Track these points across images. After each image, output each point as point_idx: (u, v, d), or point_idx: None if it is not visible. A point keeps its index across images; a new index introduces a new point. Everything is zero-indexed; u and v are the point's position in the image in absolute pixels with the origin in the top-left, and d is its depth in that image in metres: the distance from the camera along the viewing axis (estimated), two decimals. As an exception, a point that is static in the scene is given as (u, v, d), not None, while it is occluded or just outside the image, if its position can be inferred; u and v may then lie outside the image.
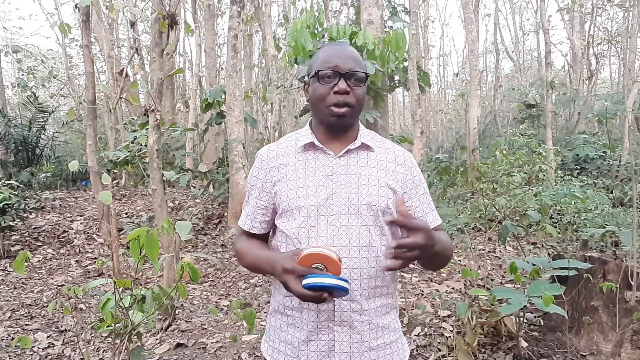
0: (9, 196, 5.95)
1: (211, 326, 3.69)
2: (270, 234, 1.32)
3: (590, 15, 15.77)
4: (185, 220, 6.14)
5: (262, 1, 10.39)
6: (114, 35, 15.83)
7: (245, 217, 1.30)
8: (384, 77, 4.24)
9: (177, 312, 3.87)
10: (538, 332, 3.03)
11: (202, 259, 5.56)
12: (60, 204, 8.35)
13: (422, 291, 4.13)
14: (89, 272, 5.41)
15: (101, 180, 4.04)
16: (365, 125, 3.60)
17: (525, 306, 2.40)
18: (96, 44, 12.71)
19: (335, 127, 1.20)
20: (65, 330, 3.74)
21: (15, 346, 2.54)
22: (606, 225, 4.90)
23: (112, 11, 4.94)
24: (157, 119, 3.78)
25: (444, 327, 3.16)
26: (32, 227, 6.80)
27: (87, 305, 4.17)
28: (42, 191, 8.83)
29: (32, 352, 3.32)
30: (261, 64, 14.91)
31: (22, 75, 16.03)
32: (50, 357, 3.30)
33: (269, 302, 4.31)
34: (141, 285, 3.97)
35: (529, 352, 2.70)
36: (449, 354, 2.78)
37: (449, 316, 3.39)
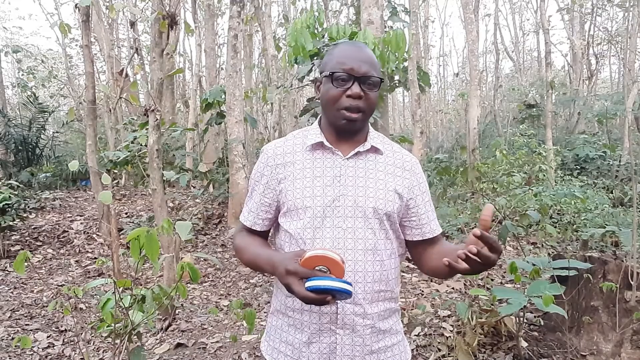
0: (9, 196, 5.95)
1: (211, 326, 3.69)
2: (271, 232, 1.30)
3: (590, 15, 15.77)
4: (185, 220, 6.14)
5: (262, 1, 10.39)
6: (114, 35, 15.83)
7: (248, 213, 1.28)
8: (384, 77, 4.24)
9: (177, 312, 3.87)
10: (538, 332, 3.03)
11: (202, 259, 5.56)
12: (60, 204, 8.35)
13: (422, 291, 4.13)
14: (89, 272, 5.41)
15: (101, 180, 4.04)
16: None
17: (525, 306, 2.40)
18: (96, 44, 12.71)
19: (346, 131, 1.18)
20: (65, 330, 3.74)
21: (15, 346, 2.54)
22: (606, 225, 4.90)
23: (112, 11, 4.94)
24: (157, 119, 3.78)
25: (444, 327, 3.16)
26: (32, 227, 6.80)
27: (87, 305, 4.17)
28: (42, 191, 8.83)
29: (32, 352, 3.32)
30: (261, 64, 14.90)
31: (22, 75, 16.03)
32: (50, 357, 3.30)
33: (269, 302, 4.31)
34: (141, 285, 3.98)
35: (529, 352, 2.70)
36: (449, 354, 2.78)
37: (449, 316, 3.39)
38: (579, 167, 10.00)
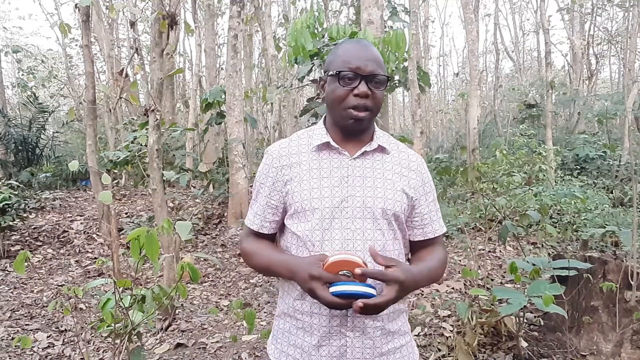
0: (9, 196, 5.95)
1: (211, 326, 3.69)
2: (277, 234, 1.28)
3: (590, 15, 15.77)
4: (185, 220, 6.14)
5: (262, 1, 10.39)
6: (114, 35, 15.83)
7: (254, 216, 1.25)
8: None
9: (177, 312, 3.87)
10: (538, 332, 3.03)
11: (202, 259, 5.56)
12: (60, 204, 8.34)
13: (422, 291, 4.13)
14: (89, 272, 5.41)
15: (101, 180, 4.04)
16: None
17: (525, 306, 2.40)
18: (96, 44, 12.71)
19: (352, 130, 1.17)
20: (65, 330, 3.74)
21: (15, 346, 2.54)
22: (606, 225, 4.90)
23: (112, 11, 4.94)
24: (157, 119, 3.78)
25: (444, 327, 3.17)
26: (32, 227, 6.80)
27: (87, 305, 4.17)
28: (42, 191, 8.83)
29: (32, 352, 3.32)
30: (261, 64, 14.90)
31: (22, 75, 16.03)
32: (50, 357, 3.30)
33: (269, 302, 4.31)
34: (141, 285, 3.97)
35: (529, 352, 2.70)
36: (449, 354, 2.78)
37: (449, 316, 3.39)
38: (579, 167, 10.00)
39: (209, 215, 7.66)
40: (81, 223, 7.15)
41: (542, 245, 5.31)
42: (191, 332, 3.58)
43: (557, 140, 11.67)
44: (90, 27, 6.34)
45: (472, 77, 10.55)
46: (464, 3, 11.05)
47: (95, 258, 5.85)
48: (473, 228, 6.17)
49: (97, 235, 6.68)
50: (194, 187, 9.14)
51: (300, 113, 5.12)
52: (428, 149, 14.19)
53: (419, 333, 3.10)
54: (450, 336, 2.97)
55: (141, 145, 5.39)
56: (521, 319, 2.82)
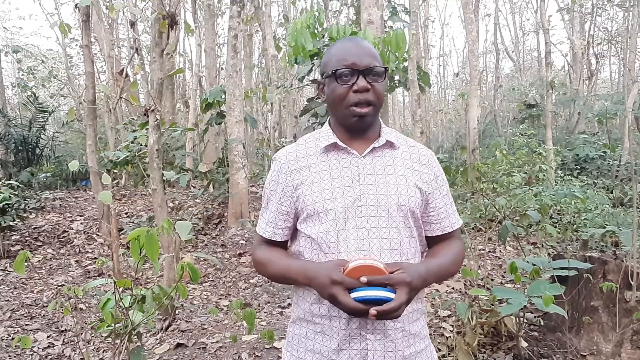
0: (9, 196, 5.95)
1: (211, 326, 3.69)
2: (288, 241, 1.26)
3: (590, 15, 15.77)
4: (185, 220, 6.14)
5: (262, 1, 10.39)
6: (114, 35, 15.83)
7: (265, 224, 1.23)
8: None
9: (177, 312, 3.87)
10: (538, 332, 3.03)
11: (202, 259, 5.56)
12: (60, 204, 8.34)
13: (423, 291, 4.13)
14: (89, 272, 5.41)
15: (101, 180, 4.05)
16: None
17: (525, 306, 2.40)
18: (96, 44, 12.71)
19: (358, 128, 1.16)
20: (65, 330, 3.74)
21: (15, 346, 2.54)
22: (606, 225, 4.91)
23: (112, 11, 4.94)
24: (157, 119, 3.78)
25: (444, 327, 3.16)
26: (32, 227, 6.80)
27: (87, 305, 4.17)
28: (42, 191, 8.83)
29: (32, 352, 3.32)
30: (261, 64, 14.91)
31: (22, 75, 16.03)
32: (50, 357, 3.30)
33: (269, 302, 4.31)
34: (141, 285, 3.97)
35: (529, 352, 2.70)
36: (449, 354, 2.78)
37: (449, 316, 3.39)
38: (579, 167, 10.01)
39: (209, 215, 7.66)
40: (81, 223, 7.15)
41: (542, 245, 5.31)
42: (191, 332, 3.58)
43: (557, 140, 11.67)
44: (90, 27, 6.34)
45: (472, 77, 10.55)
46: (464, 3, 11.05)
47: (95, 258, 5.85)
48: (473, 228, 6.18)
49: (97, 235, 6.68)
50: (194, 187, 9.14)
51: (300, 113, 5.13)
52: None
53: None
54: (450, 336, 2.97)
55: (141, 145, 5.39)
56: (521, 319, 2.82)
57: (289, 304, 4.22)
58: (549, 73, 10.72)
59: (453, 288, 4.19)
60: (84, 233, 6.79)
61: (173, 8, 4.06)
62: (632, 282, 2.53)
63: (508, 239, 4.69)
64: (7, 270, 5.38)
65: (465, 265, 4.50)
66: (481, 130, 13.64)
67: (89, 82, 5.73)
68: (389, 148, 1.18)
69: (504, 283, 4.24)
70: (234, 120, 6.96)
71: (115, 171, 7.66)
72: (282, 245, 1.24)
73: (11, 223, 6.00)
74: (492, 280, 4.28)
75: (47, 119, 11.22)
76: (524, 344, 2.78)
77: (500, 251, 5.40)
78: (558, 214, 6.18)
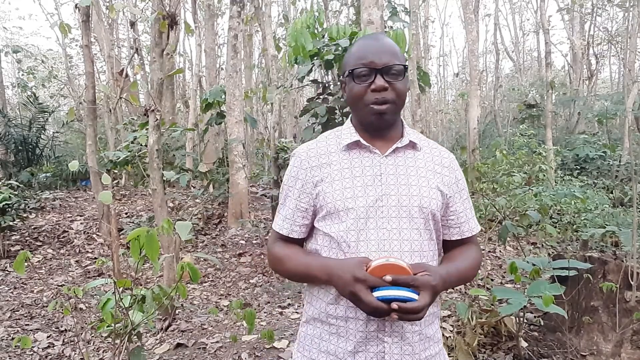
0: (9, 196, 5.95)
1: (211, 326, 3.69)
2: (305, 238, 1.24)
3: (590, 15, 15.77)
4: (185, 220, 6.14)
5: (262, 1, 10.38)
6: (114, 35, 15.83)
7: (283, 220, 1.20)
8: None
9: (177, 312, 3.87)
10: (538, 332, 3.03)
11: (202, 259, 5.56)
12: (60, 204, 8.35)
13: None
14: (89, 272, 5.41)
15: (101, 180, 4.05)
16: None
17: (525, 306, 2.40)
18: (96, 44, 12.71)
19: (378, 126, 1.14)
20: (65, 330, 3.74)
21: (15, 346, 2.54)
22: (606, 225, 4.91)
23: (112, 11, 4.94)
24: (157, 119, 3.78)
25: (444, 327, 3.16)
26: (32, 227, 6.80)
27: (87, 305, 4.17)
28: (42, 191, 8.83)
29: (32, 352, 3.32)
30: (261, 64, 14.90)
31: (22, 75, 16.03)
32: (50, 357, 3.30)
33: (268, 302, 4.31)
34: (141, 285, 3.97)
35: (529, 352, 2.70)
36: (449, 354, 2.78)
37: (449, 316, 3.39)
38: (579, 167, 10.01)
39: (209, 215, 7.66)
40: (81, 223, 7.15)
41: (542, 245, 5.31)
42: (191, 332, 3.58)
43: (557, 140, 11.68)
44: (90, 27, 6.34)
45: (472, 77, 10.56)
46: (464, 3, 11.05)
47: (95, 258, 5.85)
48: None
49: (97, 235, 6.68)
50: (194, 187, 9.14)
51: (300, 113, 5.13)
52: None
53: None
54: (450, 336, 2.97)
55: (141, 145, 5.39)
56: (521, 319, 2.82)
57: (289, 304, 4.22)
58: (549, 73, 10.72)
59: (453, 288, 4.19)
60: (84, 233, 6.79)
61: (173, 8, 4.06)
62: (632, 282, 2.53)
63: (508, 239, 4.69)
64: (7, 270, 5.37)
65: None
66: (481, 130, 13.65)
67: (89, 82, 5.73)
68: (411, 149, 1.17)
69: (504, 283, 4.24)
70: (234, 120, 6.97)
71: (115, 171, 7.65)
72: (299, 243, 1.22)
73: (11, 223, 6.00)
74: (492, 280, 4.28)
75: (47, 119, 11.22)
76: (524, 344, 2.78)
77: (500, 251, 5.40)
78: (558, 214, 6.18)
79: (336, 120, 4.37)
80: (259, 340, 3.15)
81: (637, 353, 2.52)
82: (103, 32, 11.34)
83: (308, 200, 1.16)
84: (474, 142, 9.62)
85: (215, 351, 3.15)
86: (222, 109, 7.28)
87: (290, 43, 4.21)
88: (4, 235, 6.04)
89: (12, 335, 3.61)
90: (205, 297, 4.57)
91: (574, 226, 5.55)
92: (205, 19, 9.79)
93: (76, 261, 5.82)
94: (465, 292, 3.98)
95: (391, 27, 5.92)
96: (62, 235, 6.64)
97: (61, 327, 3.79)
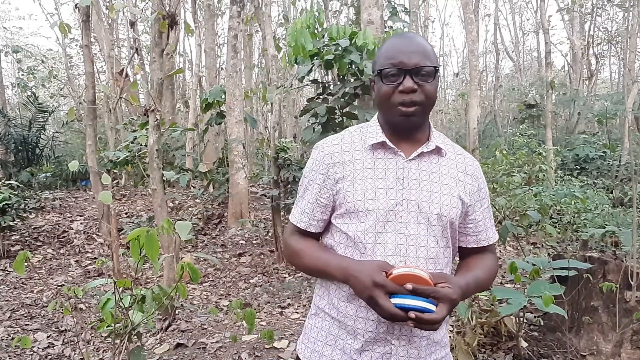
0: (9, 196, 5.95)
1: (211, 326, 3.69)
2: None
3: (590, 15, 15.78)
4: (185, 220, 6.14)
5: (262, 1, 10.38)
6: (114, 35, 15.82)
7: (301, 214, 1.19)
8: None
9: (177, 312, 3.87)
10: (538, 332, 3.03)
11: (202, 259, 5.56)
12: (60, 204, 8.34)
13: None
14: (89, 272, 5.41)
15: (101, 180, 4.04)
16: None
17: (525, 306, 2.40)
18: (96, 44, 12.71)
19: (404, 128, 1.12)
20: (65, 330, 3.74)
21: (15, 346, 2.54)
22: (606, 225, 4.91)
23: (112, 11, 4.94)
24: (157, 119, 3.78)
25: (444, 327, 3.16)
26: (32, 227, 6.80)
27: (87, 305, 4.17)
28: (42, 191, 8.83)
29: (32, 352, 3.32)
30: (261, 64, 14.91)
31: (22, 75, 16.03)
32: (50, 357, 3.30)
33: (268, 302, 4.31)
34: (141, 285, 3.98)
35: (529, 352, 2.70)
36: (449, 354, 2.78)
37: (449, 316, 3.38)
38: (579, 167, 10.01)
39: (209, 215, 7.66)
40: (81, 223, 7.15)
41: (542, 245, 5.32)
42: (191, 332, 3.58)
43: (557, 140, 11.68)
44: (90, 27, 6.34)
45: (472, 77, 10.55)
46: (464, 3, 11.05)
47: (95, 258, 5.85)
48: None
49: (97, 235, 6.68)
50: (194, 187, 9.14)
51: (300, 113, 5.13)
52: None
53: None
54: (450, 336, 2.97)
55: (141, 145, 5.39)
56: (521, 319, 2.82)
57: (289, 304, 4.22)
58: (549, 73, 10.72)
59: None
60: (84, 233, 6.79)
61: (173, 8, 4.06)
62: (632, 282, 2.53)
63: (508, 239, 4.69)
64: (7, 270, 5.38)
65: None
66: (481, 130, 13.65)
67: (89, 82, 5.72)
68: (436, 154, 1.15)
69: (504, 283, 4.24)
70: (234, 120, 6.97)
71: (115, 171, 7.66)
72: (316, 237, 1.21)
73: (11, 223, 6.00)
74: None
75: (47, 119, 11.22)
76: (524, 344, 2.78)
77: (500, 251, 5.40)
78: (558, 214, 6.18)
79: (336, 120, 4.37)
80: (259, 340, 3.15)
81: (637, 353, 2.52)
82: (103, 32, 11.34)
83: (328, 196, 1.15)
84: (474, 142, 9.62)
85: (215, 351, 3.15)
86: (222, 109, 7.29)
87: (290, 43, 4.21)
88: (4, 235, 6.04)
89: (12, 335, 3.61)
90: (205, 297, 4.56)
91: (574, 226, 5.55)
92: (205, 19, 9.79)
93: (76, 261, 5.82)
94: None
95: (391, 27, 5.92)
96: (62, 235, 6.64)
97: (61, 327, 3.79)
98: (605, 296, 2.62)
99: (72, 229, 6.90)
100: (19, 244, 6.20)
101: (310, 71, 4.41)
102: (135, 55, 11.26)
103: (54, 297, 4.57)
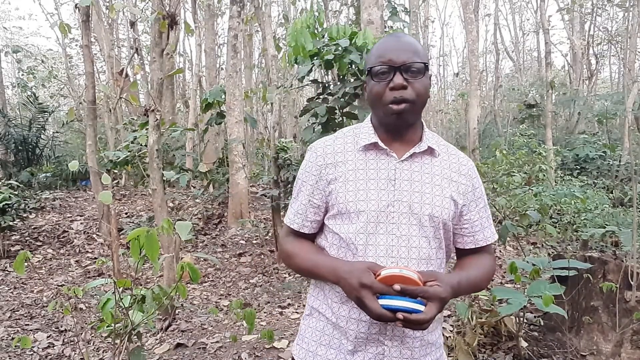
0: (9, 196, 5.95)
1: (211, 326, 3.69)
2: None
3: (590, 15, 15.78)
4: (185, 220, 6.14)
5: (262, 1, 10.38)
6: (114, 35, 15.83)
7: (294, 215, 1.20)
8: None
9: (177, 312, 3.87)
10: (538, 332, 3.03)
11: (202, 259, 5.56)
12: (60, 204, 8.34)
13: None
14: (89, 272, 5.41)
15: (101, 180, 4.04)
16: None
17: (525, 306, 2.41)
18: (96, 44, 12.71)
19: (396, 127, 1.12)
20: (65, 330, 3.74)
21: (15, 346, 2.54)
22: (606, 225, 4.90)
23: (112, 11, 4.94)
24: (157, 119, 3.78)
25: (444, 327, 3.16)
26: (32, 227, 6.80)
27: (87, 305, 4.17)
28: (42, 191, 8.83)
29: (32, 352, 3.32)
30: (261, 64, 14.91)
31: (22, 75, 16.02)
32: (50, 357, 3.30)
33: (268, 302, 4.31)
34: (141, 285, 3.98)
35: (529, 352, 2.70)
36: (449, 354, 2.78)
37: (449, 316, 3.39)
38: (579, 167, 10.01)
39: (209, 215, 7.66)
40: (81, 223, 7.15)
41: (542, 245, 5.32)
42: (191, 332, 3.58)
43: (557, 140, 11.68)
44: (90, 27, 6.34)
45: (472, 77, 10.55)
46: (464, 3, 11.05)
47: (95, 258, 5.85)
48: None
49: (97, 235, 6.68)
50: (194, 187, 9.15)
51: (300, 113, 5.13)
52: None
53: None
54: (450, 336, 2.97)
55: (141, 145, 5.39)
56: (521, 319, 2.82)
57: (289, 304, 4.22)
58: (549, 73, 10.72)
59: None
60: (84, 233, 6.79)
61: (173, 8, 4.06)
62: (632, 282, 2.53)
63: (508, 239, 4.69)
64: (7, 270, 5.38)
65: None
66: (481, 130, 13.65)
67: (89, 82, 5.72)
68: (429, 155, 1.15)
69: (504, 283, 4.24)
70: (234, 120, 6.97)
71: (115, 171, 7.66)
72: (310, 238, 1.22)
73: (11, 223, 6.00)
74: (492, 280, 4.27)
75: (47, 119, 11.23)
76: (524, 344, 2.78)
77: (500, 251, 5.40)
78: (558, 214, 6.18)
79: (336, 120, 4.37)
80: (259, 340, 3.15)
81: (637, 353, 2.52)
82: (103, 32, 11.33)
83: (321, 197, 1.15)
84: (474, 142, 9.62)
85: (215, 351, 3.15)
86: (222, 109, 7.29)
87: (290, 43, 4.21)
88: (4, 235, 6.04)
89: (12, 335, 3.61)
90: (205, 297, 4.56)
91: (574, 226, 5.55)
92: (205, 19, 9.79)
93: (76, 261, 5.82)
94: (465, 292, 3.98)
95: (391, 27, 5.92)
96: (62, 235, 6.64)
97: (61, 327, 3.79)
98: (605, 296, 2.62)
99: (72, 229, 6.90)
100: (19, 244, 6.20)
101: (310, 71, 4.41)
102: (135, 55, 11.26)
103: (54, 297, 4.57)
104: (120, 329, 1.87)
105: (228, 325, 3.70)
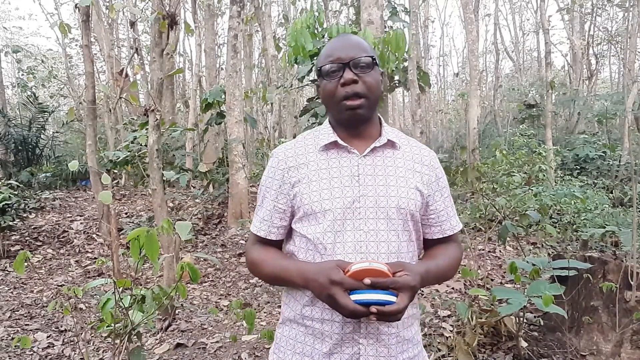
0: (9, 196, 5.95)
1: (211, 326, 3.69)
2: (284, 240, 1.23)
3: (590, 15, 15.78)
4: (185, 220, 6.14)
5: (262, 1, 10.39)
6: (114, 35, 15.82)
7: (260, 222, 1.19)
8: (384, 77, 4.24)
9: (177, 312, 3.87)
10: (538, 332, 3.03)
11: (202, 259, 5.56)
12: (60, 204, 8.34)
13: (422, 291, 4.13)
14: (89, 272, 5.41)
15: (101, 180, 4.04)
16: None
17: (525, 306, 2.41)
18: (96, 44, 12.71)
19: (353, 122, 1.13)
20: (65, 330, 3.74)
21: (15, 346, 2.54)
22: (606, 225, 4.91)
23: (112, 11, 4.94)
24: (157, 119, 3.78)
25: (444, 327, 3.17)
26: (32, 227, 6.80)
27: (87, 305, 4.17)
28: (42, 191, 8.83)
29: (32, 352, 3.32)
30: (261, 64, 14.92)
31: (22, 75, 16.02)
32: (50, 357, 3.30)
33: (268, 302, 4.31)
34: (141, 285, 3.97)
35: (529, 352, 2.70)
36: (449, 354, 2.78)
37: (449, 316, 3.39)
38: (579, 167, 10.00)
39: (209, 215, 7.66)
40: (81, 223, 7.15)
41: (542, 245, 5.32)
42: (191, 332, 3.58)
43: (557, 140, 11.68)
44: (90, 27, 6.34)
45: (472, 77, 10.55)
46: (464, 3, 11.05)
47: (95, 258, 5.85)
48: (473, 228, 6.18)
49: (97, 235, 6.68)
50: (194, 187, 9.14)
51: (300, 113, 5.13)
52: (428, 149, 14.17)
53: (419, 333, 3.10)
54: (450, 336, 2.97)
55: (141, 145, 5.39)
56: (521, 319, 2.82)
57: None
58: (549, 73, 10.72)
59: (453, 288, 4.19)
60: (84, 233, 6.79)
61: (173, 8, 4.06)
62: (632, 282, 2.53)
63: (508, 239, 4.69)
64: (7, 270, 5.38)
65: (465, 265, 4.52)
66: (481, 130, 13.66)
67: (89, 82, 5.72)
68: (390, 148, 1.15)
69: (504, 283, 4.24)
70: (234, 120, 6.97)
71: (115, 171, 7.66)
72: (277, 245, 1.21)
73: (11, 223, 6.00)
74: (492, 280, 4.28)
75: (47, 119, 11.23)
76: (524, 344, 2.78)
77: (500, 251, 5.40)
78: (558, 214, 6.18)
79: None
80: (259, 340, 3.16)
81: (637, 353, 2.52)
82: (103, 32, 11.33)
83: (285, 201, 1.15)
84: (474, 142, 9.62)
85: (215, 351, 3.15)
86: (222, 109, 7.29)
87: (290, 43, 4.21)
88: (4, 235, 6.04)
89: (12, 335, 3.61)
90: (205, 297, 4.56)
91: (574, 226, 5.55)
92: (205, 19, 9.78)
93: (76, 261, 5.82)
94: (465, 292, 3.99)
95: (391, 27, 5.92)
96: (62, 235, 6.64)
97: (61, 327, 3.79)
98: (605, 296, 2.62)
99: (72, 229, 6.90)
100: (19, 244, 6.20)
101: (310, 71, 4.41)
102: (135, 55, 11.26)
103: (54, 297, 4.57)
104: (120, 329, 1.87)
105: (228, 325, 3.71)
